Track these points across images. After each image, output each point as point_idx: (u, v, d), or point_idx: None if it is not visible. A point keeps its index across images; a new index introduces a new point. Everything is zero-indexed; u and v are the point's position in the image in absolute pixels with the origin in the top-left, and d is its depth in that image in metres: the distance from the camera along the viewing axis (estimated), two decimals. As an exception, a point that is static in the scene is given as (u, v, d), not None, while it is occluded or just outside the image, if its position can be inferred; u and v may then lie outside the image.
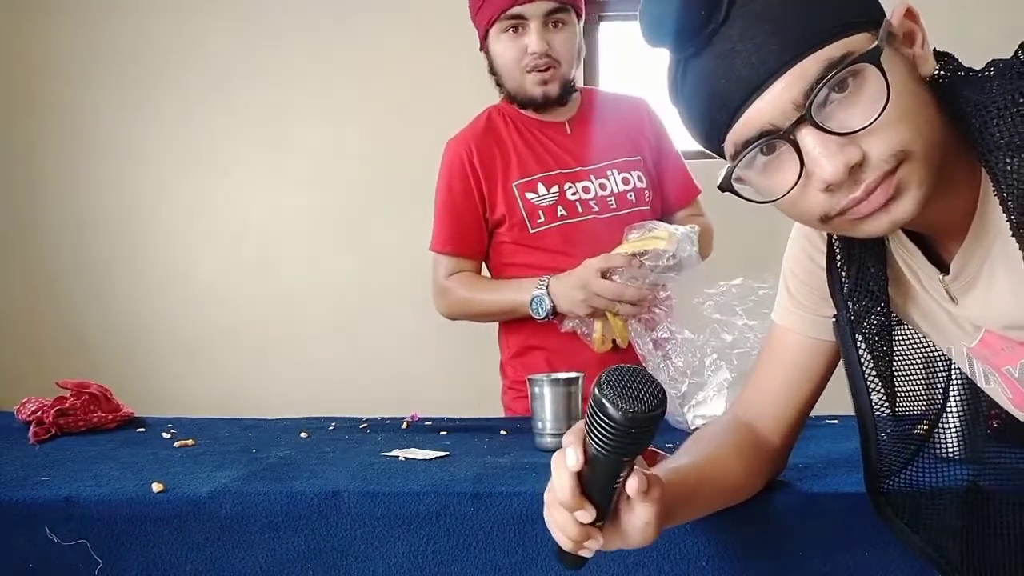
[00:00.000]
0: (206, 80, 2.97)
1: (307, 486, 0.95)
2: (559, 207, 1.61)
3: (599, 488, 0.70)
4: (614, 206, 1.62)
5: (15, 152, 2.98)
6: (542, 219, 1.61)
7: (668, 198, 1.72)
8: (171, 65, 2.97)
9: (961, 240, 0.75)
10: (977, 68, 0.72)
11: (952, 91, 0.71)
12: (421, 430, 1.35)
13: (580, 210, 1.61)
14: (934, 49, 0.73)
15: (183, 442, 1.22)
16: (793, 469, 1.00)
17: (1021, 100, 0.67)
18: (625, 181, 1.64)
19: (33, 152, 2.98)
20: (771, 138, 0.68)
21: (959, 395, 0.91)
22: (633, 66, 2.93)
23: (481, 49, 1.66)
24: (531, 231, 1.61)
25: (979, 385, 0.86)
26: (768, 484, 0.94)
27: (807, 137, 0.67)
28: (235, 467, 1.05)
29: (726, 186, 0.73)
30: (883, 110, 0.65)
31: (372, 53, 2.95)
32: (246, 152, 2.98)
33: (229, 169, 2.99)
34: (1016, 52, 0.70)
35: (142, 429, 1.37)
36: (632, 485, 0.70)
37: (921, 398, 0.89)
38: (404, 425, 1.39)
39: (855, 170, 0.67)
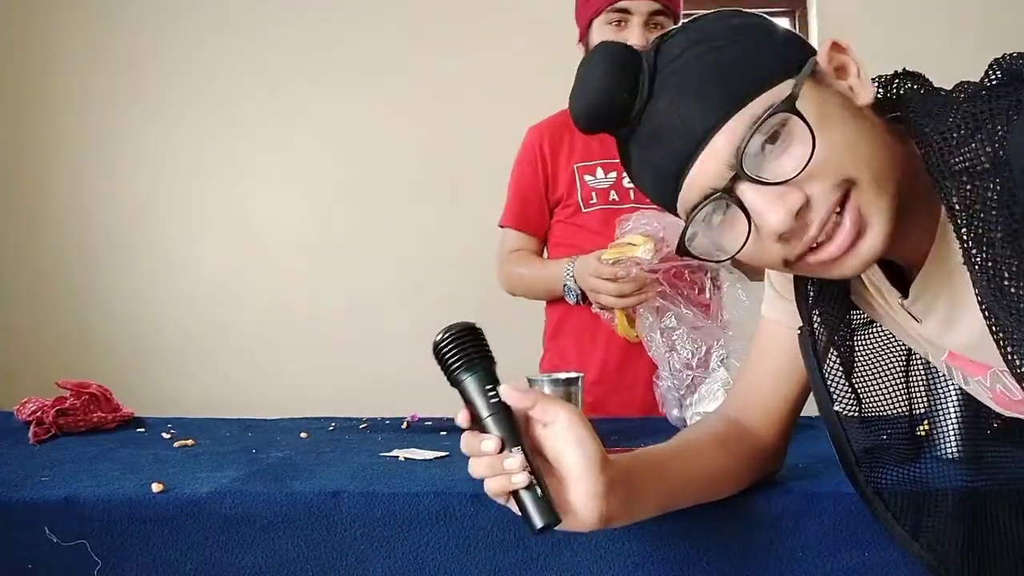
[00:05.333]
0: (207, 80, 2.97)
1: (307, 486, 0.95)
2: (612, 191, 1.68)
3: (480, 415, 0.74)
4: None
5: (15, 152, 2.98)
6: (594, 200, 1.69)
7: None
8: (173, 65, 2.97)
9: (922, 264, 0.75)
10: (948, 88, 0.73)
11: (911, 117, 0.71)
12: (421, 430, 1.35)
13: (632, 198, 1.67)
14: (904, 70, 0.75)
15: (183, 442, 1.22)
16: (793, 469, 1.00)
17: (990, 124, 0.67)
18: None
19: (33, 152, 2.98)
20: (712, 200, 0.70)
21: (959, 394, 0.91)
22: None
23: (580, 41, 1.72)
24: (583, 211, 1.69)
25: (960, 385, 0.86)
26: (764, 482, 0.94)
27: (747, 192, 0.69)
28: (235, 467, 1.05)
29: (683, 250, 0.75)
30: (812, 153, 0.66)
31: (375, 56, 2.95)
32: (247, 152, 2.98)
33: (230, 169, 2.99)
34: (985, 74, 0.70)
35: (142, 429, 1.37)
36: (503, 391, 0.73)
37: (901, 400, 0.90)
38: (404, 425, 1.39)
39: (802, 213, 0.68)
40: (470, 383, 0.75)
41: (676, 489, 0.85)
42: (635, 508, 0.79)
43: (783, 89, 0.68)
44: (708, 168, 0.69)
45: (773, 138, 0.68)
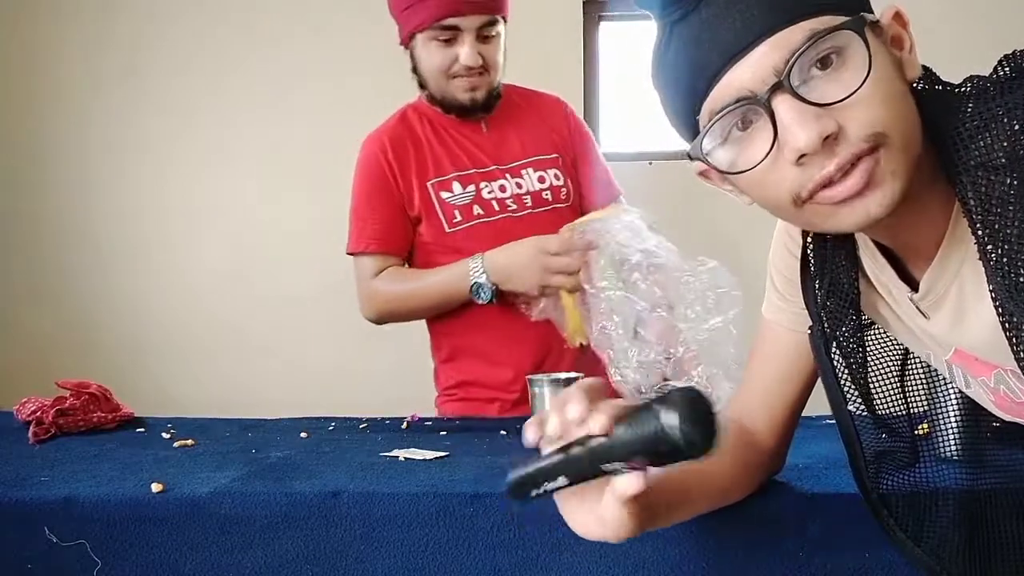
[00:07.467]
0: (208, 78, 2.97)
1: (307, 486, 0.95)
2: (475, 206, 1.59)
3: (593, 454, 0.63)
4: (530, 205, 1.61)
5: (15, 150, 2.98)
6: (459, 218, 1.59)
7: (589, 198, 1.70)
8: (172, 62, 2.97)
9: (932, 260, 0.75)
10: (956, 82, 0.72)
11: (928, 110, 0.70)
12: (421, 430, 1.35)
13: (497, 208, 1.60)
14: None
15: (183, 442, 1.22)
16: (793, 469, 1.00)
17: (1005, 119, 0.66)
18: (541, 180, 1.63)
19: (33, 150, 2.98)
20: (747, 103, 0.67)
21: (959, 395, 0.91)
22: (633, 66, 2.92)
23: (402, 44, 1.63)
24: (447, 231, 1.59)
25: (961, 388, 0.86)
26: (765, 483, 0.94)
27: (783, 105, 0.65)
28: (235, 467, 1.05)
29: (696, 154, 0.72)
30: (865, 79, 0.64)
31: (374, 51, 2.94)
32: (247, 152, 2.98)
33: (230, 169, 2.98)
34: (995, 69, 0.69)
35: (142, 429, 1.37)
36: (623, 484, 0.64)
37: (899, 402, 0.89)
38: (404, 425, 1.39)
39: (829, 143, 0.65)
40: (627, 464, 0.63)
41: (690, 505, 0.84)
42: (645, 526, 0.78)
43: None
44: (752, 70, 0.66)
45: (824, 63, 0.66)
